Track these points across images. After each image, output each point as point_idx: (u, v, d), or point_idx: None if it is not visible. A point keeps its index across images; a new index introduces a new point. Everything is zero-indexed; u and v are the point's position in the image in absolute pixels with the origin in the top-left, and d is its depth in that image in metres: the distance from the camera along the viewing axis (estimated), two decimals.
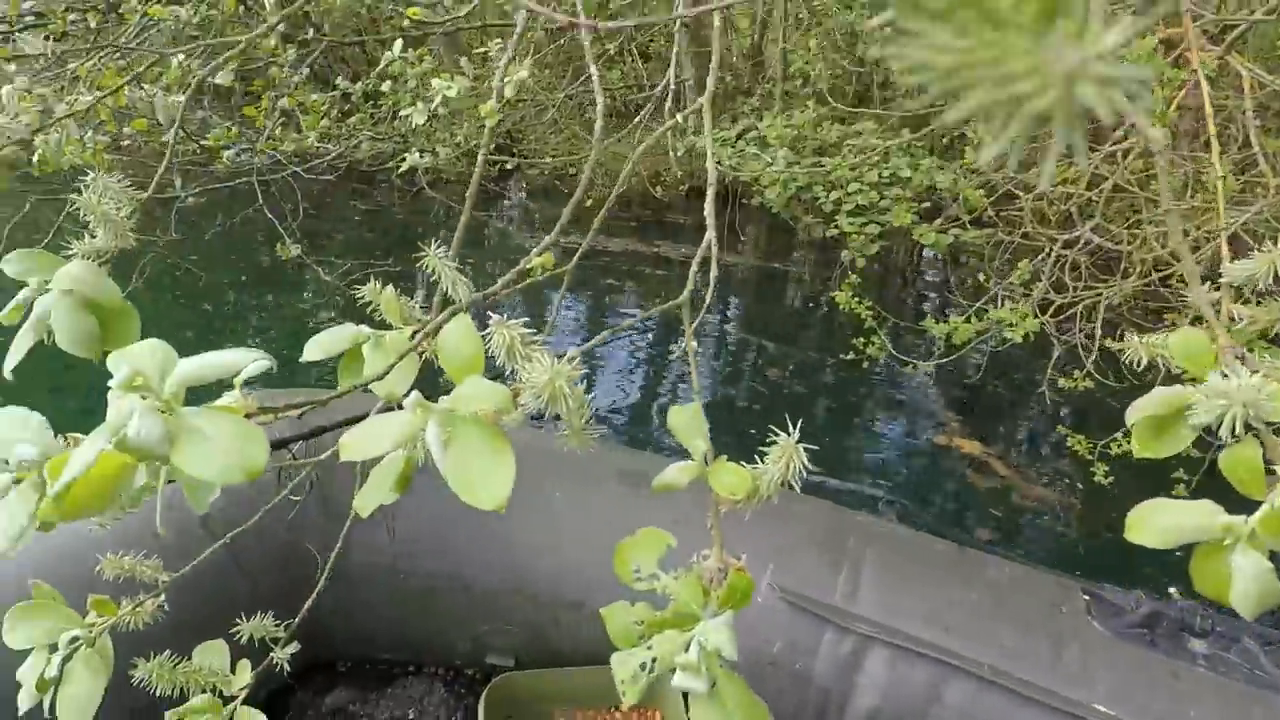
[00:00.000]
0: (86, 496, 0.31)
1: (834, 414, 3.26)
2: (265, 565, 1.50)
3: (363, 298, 0.56)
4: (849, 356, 2.86)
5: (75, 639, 0.62)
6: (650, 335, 4.38)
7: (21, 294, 0.55)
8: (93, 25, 2.94)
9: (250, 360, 0.33)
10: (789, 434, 0.44)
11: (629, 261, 5.33)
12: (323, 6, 2.80)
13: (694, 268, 0.71)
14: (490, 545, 1.59)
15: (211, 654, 0.66)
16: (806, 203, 3.34)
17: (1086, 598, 1.39)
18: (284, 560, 1.51)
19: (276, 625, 0.70)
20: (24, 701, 0.61)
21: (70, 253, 0.60)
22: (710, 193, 0.80)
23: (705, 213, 0.75)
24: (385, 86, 2.42)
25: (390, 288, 0.57)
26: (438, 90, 2.02)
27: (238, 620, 1.52)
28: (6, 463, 0.40)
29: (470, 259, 5.86)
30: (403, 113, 2.20)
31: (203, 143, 2.48)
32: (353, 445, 0.35)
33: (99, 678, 0.62)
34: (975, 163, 2.70)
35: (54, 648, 0.62)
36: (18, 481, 0.41)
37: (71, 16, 2.82)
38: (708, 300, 0.75)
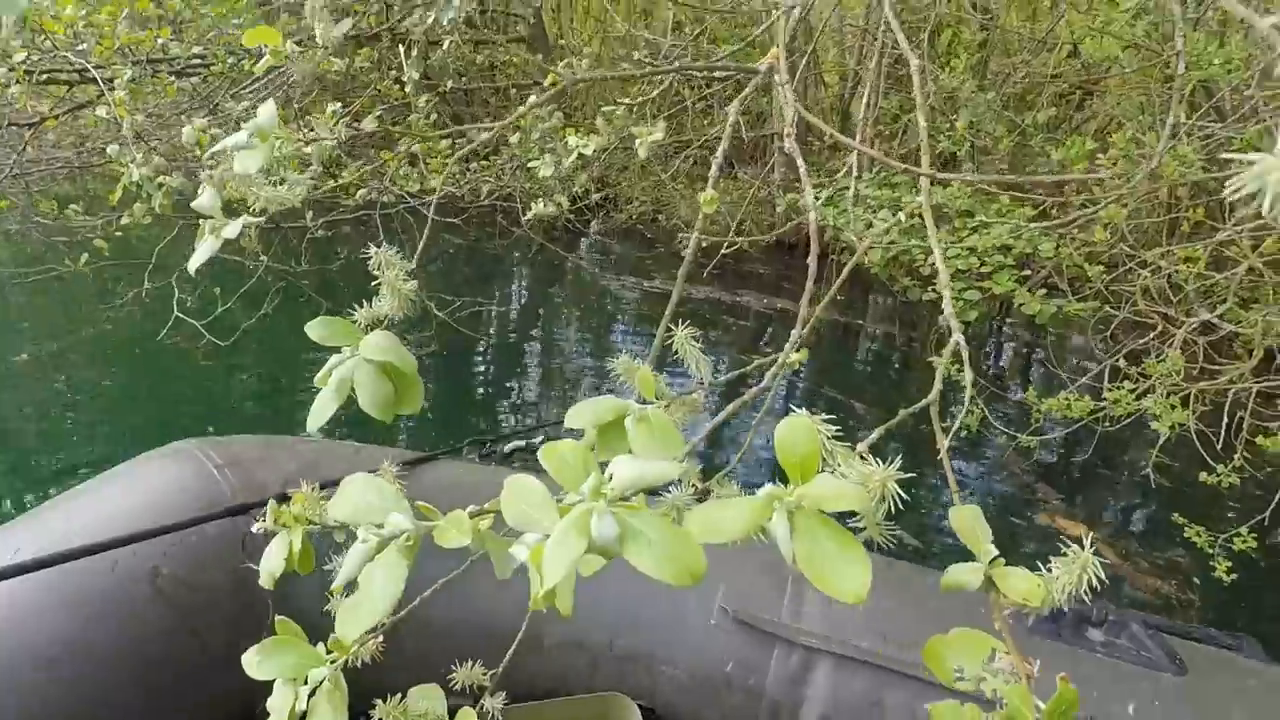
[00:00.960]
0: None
1: (925, 480, 3.20)
2: (213, 624, 1.48)
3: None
4: (946, 424, 2.80)
5: (320, 677, 0.67)
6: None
7: (332, 360, 0.61)
8: (248, 68, 3.21)
9: (678, 470, 0.37)
10: (1081, 544, 0.45)
11: (712, 309, 5.38)
12: (448, 62, 2.98)
13: (942, 362, 0.73)
14: (458, 588, 1.69)
15: (429, 698, 0.70)
16: (905, 264, 3.33)
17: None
18: (235, 621, 1.49)
19: (484, 674, 0.74)
20: None
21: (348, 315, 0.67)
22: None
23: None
24: (514, 139, 2.55)
25: (644, 365, 0.61)
26: (574, 147, 2.11)
27: (184, 681, 1.43)
28: (379, 526, 0.45)
29: (554, 297, 6.02)
30: (531, 164, 2.30)
31: (340, 181, 2.65)
32: (703, 527, 0.38)
33: (339, 712, 0.67)
34: (1101, 241, 2.66)
35: (300, 681, 0.68)
36: (380, 546, 0.45)
37: (229, 59, 3.09)
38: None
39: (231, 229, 0.75)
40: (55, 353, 3.54)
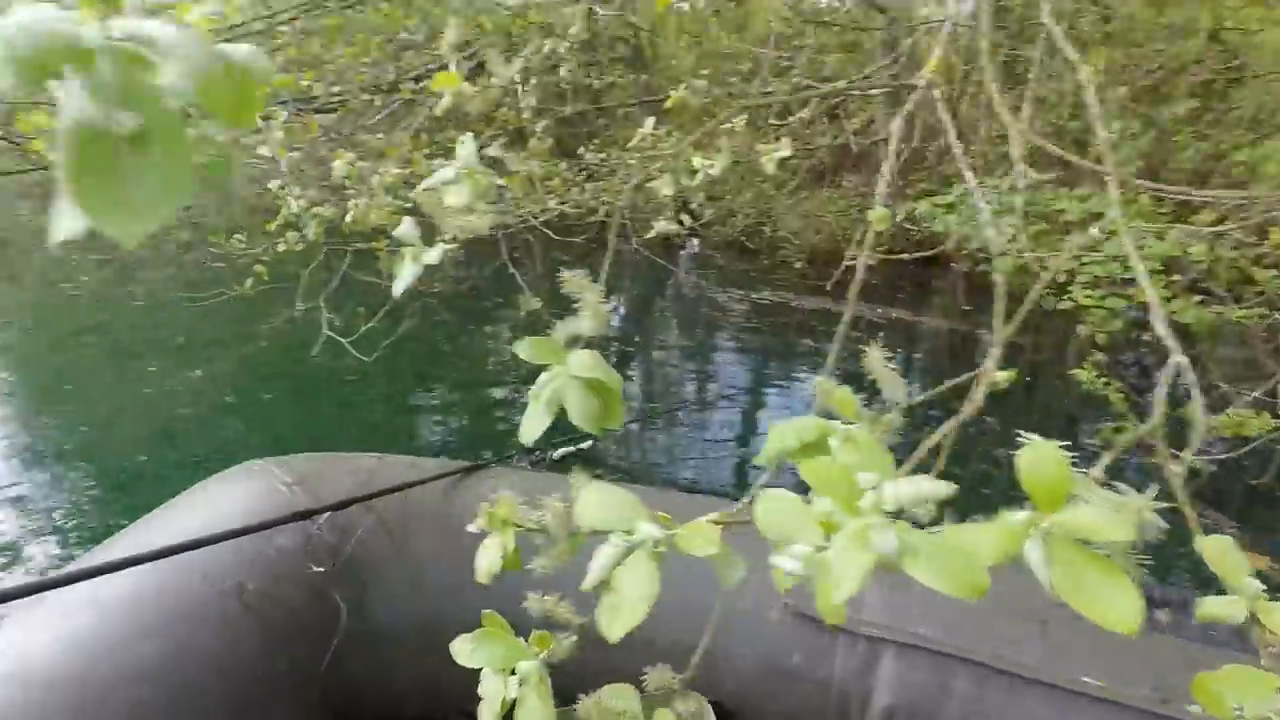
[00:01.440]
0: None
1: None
2: (293, 636, 1.53)
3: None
4: (1092, 441, 2.64)
5: (528, 670, 0.72)
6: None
7: (542, 378, 0.65)
8: (376, 103, 3.45)
9: (949, 490, 0.39)
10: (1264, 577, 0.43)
11: (822, 321, 5.28)
12: (565, 88, 3.09)
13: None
14: (515, 589, 1.71)
15: (623, 697, 0.73)
16: (1035, 272, 3.16)
17: None
18: (313, 632, 1.55)
19: (672, 678, 0.76)
20: (485, 716, 0.71)
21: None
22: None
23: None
24: (632, 160, 2.62)
25: (843, 387, 0.62)
26: (701, 167, 2.14)
27: (274, 694, 1.45)
28: (629, 533, 0.48)
29: (659, 309, 6.08)
30: (651, 184, 2.35)
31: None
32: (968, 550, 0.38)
33: (546, 703, 0.71)
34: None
35: (509, 672, 0.72)
36: (629, 552, 0.48)
37: (365, 96, 3.33)
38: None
39: (432, 255, 0.82)
40: (224, 370, 3.91)
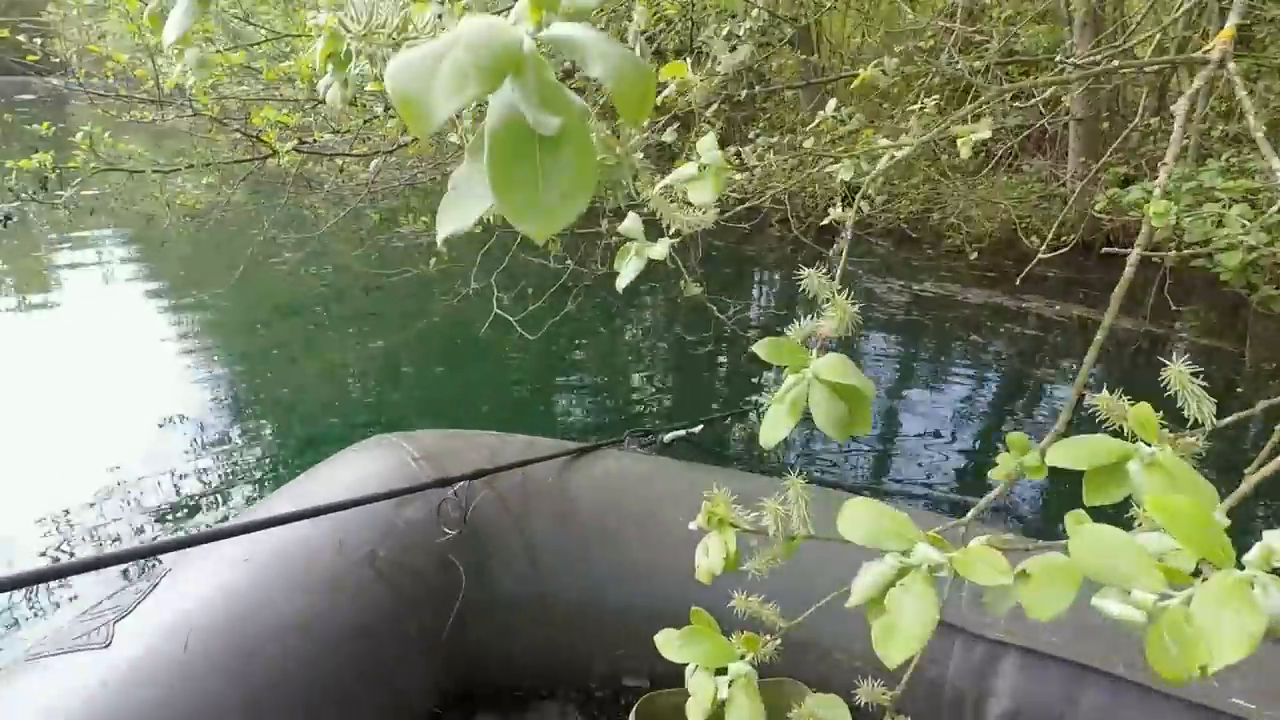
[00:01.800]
0: None
1: None
2: (421, 603, 1.58)
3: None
4: None
5: (739, 670, 0.70)
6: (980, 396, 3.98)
7: (788, 381, 0.63)
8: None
9: None
10: None
11: (992, 316, 4.92)
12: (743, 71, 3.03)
13: None
14: (627, 570, 1.68)
15: (832, 707, 0.70)
16: (1267, 269, 2.76)
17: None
18: (438, 601, 1.60)
19: (882, 691, 0.73)
20: (694, 713, 0.71)
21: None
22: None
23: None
24: (808, 143, 2.53)
25: (1140, 404, 0.55)
26: (885, 149, 2.03)
27: (402, 658, 1.51)
28: (905, 554, 0.45)
29: (797, 294, 5.90)
30: (829, 169, 2.27)
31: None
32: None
33: (755, 703, 0.70)
34: None
35: (719, 671, 0.71)
36: (902, 573, 0.45)
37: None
38: None
39: (658, 250, 0.82)
40: (402, 343, 4.25)
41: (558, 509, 1.73)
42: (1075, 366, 4.52)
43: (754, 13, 2.47)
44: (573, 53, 0.26)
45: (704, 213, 0.85)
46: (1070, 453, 0.54)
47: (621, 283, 0.84)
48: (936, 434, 3.51)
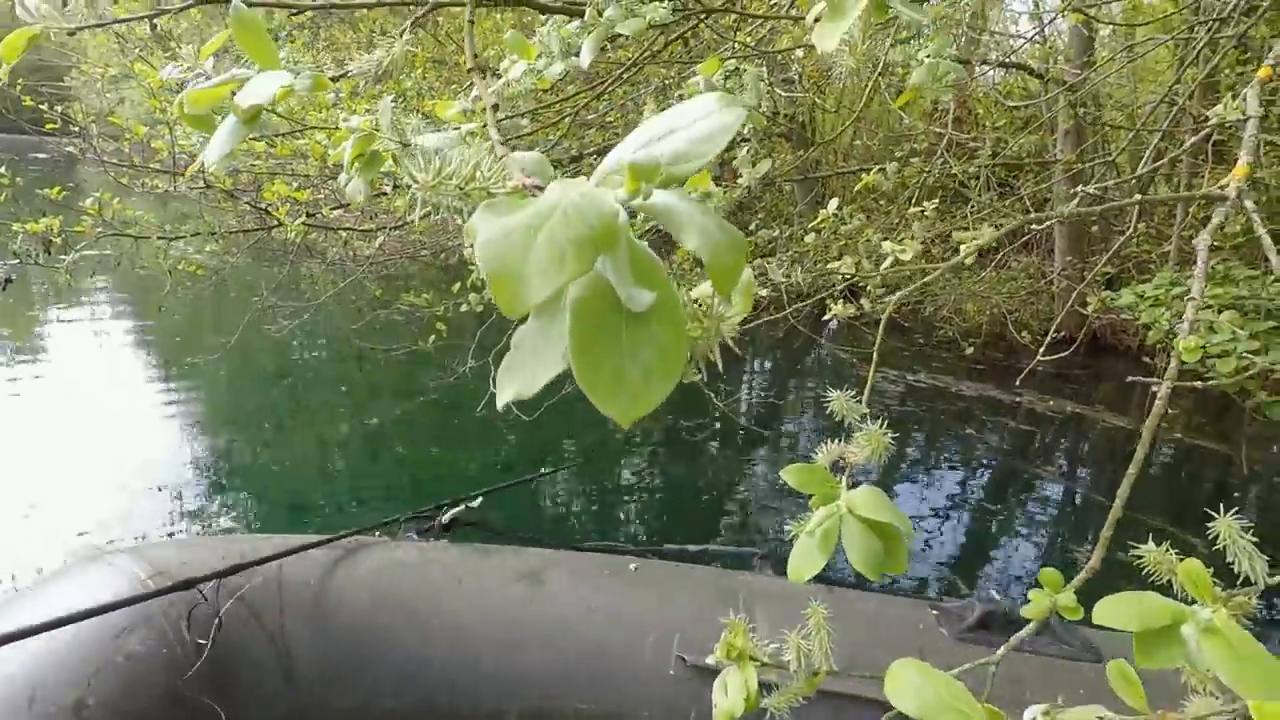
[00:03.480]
0: None
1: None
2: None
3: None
4: None
5: None
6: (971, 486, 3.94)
7: (820, 513, 0.60)
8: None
9: None
10: None
11: (986, 409, 4.93)
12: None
13: None
14: (401, 671, 1.55)
15: None
16: (1263, 376, 2.78)
17: (934, 613, 1.63)
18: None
19: None
20: None
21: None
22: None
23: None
24: (809, 239, 2.59)
25: (1189, 560, 0.53)
26: (890, 252, 2.06)
27: None
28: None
29: (802, 387, 5.92)
30: (831, 265, 2.31)
31: None
32: None
33: None
34: None
35: None
36: None
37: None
38: None
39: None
40: (395, 419, 4.19)
41: (321, 613, 1.52)
42: (1066, 462, 4.50)
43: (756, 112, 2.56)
44: (669, 223, 0.25)
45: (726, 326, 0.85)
46: (1119, 612, 0.51)
47: None
48: (931, 528, 3.45)
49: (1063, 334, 4.62)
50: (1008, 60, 4.05)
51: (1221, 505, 0.58)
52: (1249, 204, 0.81)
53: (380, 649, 1.53)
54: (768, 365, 6.24)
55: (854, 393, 0.79)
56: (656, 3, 0.81)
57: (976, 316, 5.56)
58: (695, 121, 0.26)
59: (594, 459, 3.94)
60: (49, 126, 3.47)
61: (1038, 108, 4.89)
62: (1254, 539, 0.56)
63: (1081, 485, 4.13)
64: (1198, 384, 0.86)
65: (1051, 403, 4.99)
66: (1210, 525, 0.55)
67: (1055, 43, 5.62)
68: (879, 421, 0.67)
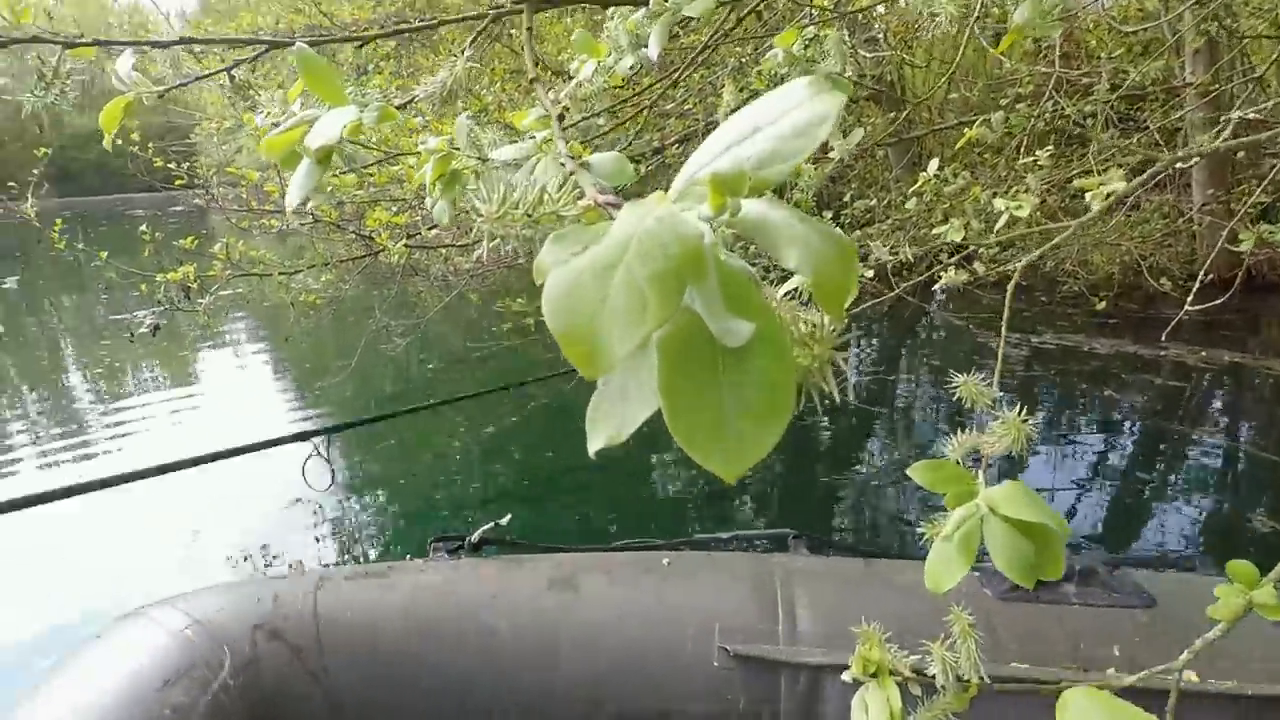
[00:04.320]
0: None
1: None
2: None
3: None
4: None
5: None
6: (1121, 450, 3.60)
7: (957, 513, 0.54)
8: (641, 170, 3.65)
9: None
10: None
11: (1124, 367, 4.52)
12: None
13: None
14: (443, 695, 1.52)
15: None
16: None
17: (976, 574, 1.57)
18: None
19: None
20: None
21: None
22: None
23: None
24: (910, 204, 2.44)
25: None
26: (1004, 208, 1.92)
27: None
28: None
29: (916, 355, 5.65)
30: (937, 230, 2.16)
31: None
32: None
33: None
34: None
35: None
36: None
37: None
38: None
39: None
40: (510, 426, 4.33)
41: (359, 645, 1.52)
42: (1226, 418, 4.05)
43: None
44: (764, 239, 0.22)
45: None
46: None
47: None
48: (1072, 502, 3.20)
49: (1211, 276, 4.17)
50: None
51: None
52: None
53: (419, 675, 1.53)
54: (875, 338, 5.99)
55: (980, 375, 0.72)
56: None
57: (1106, 266, 5.10)
58: (785, 114, 0.23)
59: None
60: (177, 182, 3.80)
61: (1159, 28, 4.42)
62: None
63: (1245, 443, 3.71)
64: None
65: (1204, 353, 4.51)
66: None
67: None
68: (1017, 407, 0.60)
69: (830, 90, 0.23)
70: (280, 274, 3.54)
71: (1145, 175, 1.40)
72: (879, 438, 4.13)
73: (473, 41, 0.64)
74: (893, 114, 4.74)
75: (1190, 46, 4.71)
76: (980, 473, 0.58)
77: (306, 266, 3.59)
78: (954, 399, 0.69)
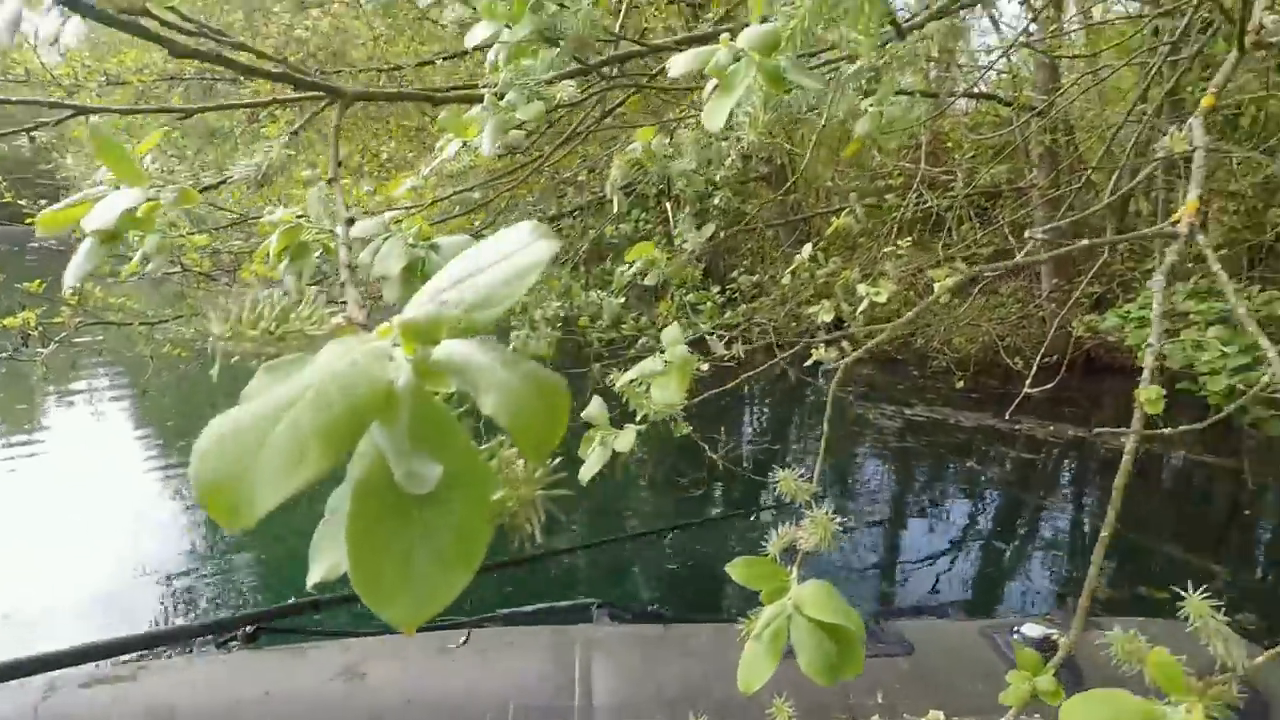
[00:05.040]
0: None
1: None
2: None
3: None
4: None
5: None
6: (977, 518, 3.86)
7: (767, 612, 0.56)
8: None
9: None
10: None
11: (987, 439, 4.86)
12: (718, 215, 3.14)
13: None
14: None
15: None
16: (1262, 390, 2.74)
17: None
18: None
19: None
20: None
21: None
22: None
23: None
24: (785, 279, 2.58)
25: (1157, 648, 0.48)
26: (865, 295, 2.04)
27: None
28: None
29: (800, 426, 5.86)
30: (809, 311, 2.29)
31: (622, 330, 2.85)
32: None
33: None
34: None
35: None
36: None
37: None
38: None
39: (624, 441, 0.77)
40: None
41: None
42: (1070, 489, 4.42)
43: (727, 161, 2.58)
44: (465, 382, 0.22)
45: (675, 395, 0.81)
46: (1089, 713, 0.46)
47: (585, 474, 0.79)
48: (940, 566, 3.36)
49: (1054, 358, 4.58)
50: (975, 91, 4.12)
51: (1232, 528, 0.53)
52: (1201, 239, 0.79)
53: None
54: (765, 407, 6.19)
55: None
56: (566, 81, 0.80)
57: (967, 346, 5.54)
58: (501, 260, 0.23)
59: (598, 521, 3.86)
60: (26, 220, 3.51)
61: (1011, 135, 4.96)
62: (1266, 559, 0.52)
63: (1088, 512, 4.04)
64: (1166, 430, 0.82)
65: (1052, 428, 4.93)
66: (1222, 550, 0.51)
67: (1021, 71, 5.73)
68: (824, 506, 0.62)
69: (548, 236, 0.24)
70: (141, 324, 3.29)
71: (969, 273, 1.54)
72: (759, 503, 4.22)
73: (292, 135, 0.64)
74: (779, 195, 5.05)
75: (1035, 152, 5.30)
76: (794, 569, 0.59)
77: (172, 317, 3.36)
78: (825, 468, 0.71)
